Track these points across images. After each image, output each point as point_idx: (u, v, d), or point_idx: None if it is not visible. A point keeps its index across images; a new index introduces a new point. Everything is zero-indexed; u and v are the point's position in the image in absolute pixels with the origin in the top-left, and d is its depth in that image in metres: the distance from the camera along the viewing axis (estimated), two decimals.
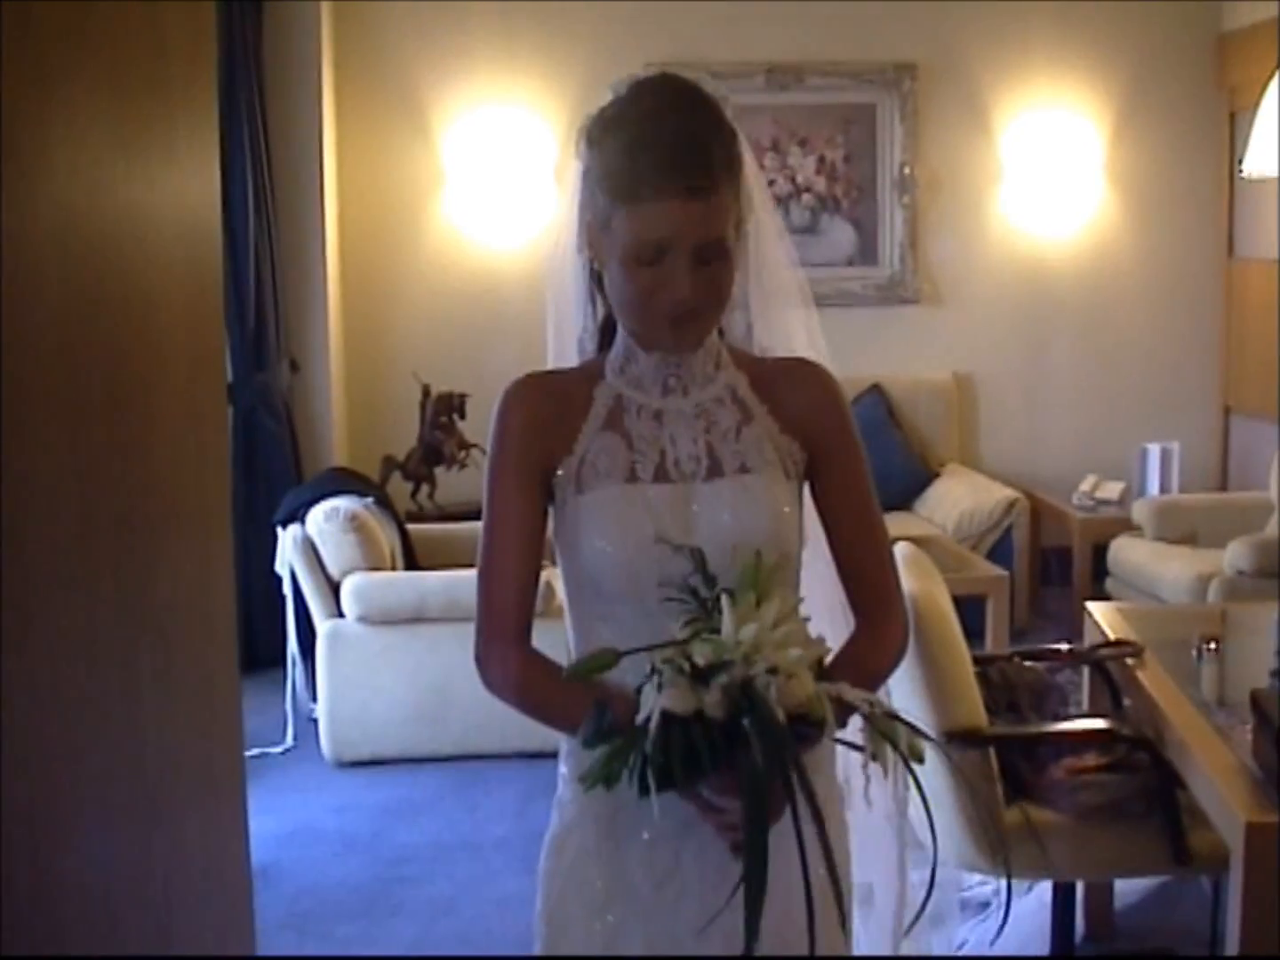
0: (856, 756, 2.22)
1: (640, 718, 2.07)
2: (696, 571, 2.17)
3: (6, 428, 1.87)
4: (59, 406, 2.03)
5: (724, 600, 2.09)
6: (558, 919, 2.45)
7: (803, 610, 2.22)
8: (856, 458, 2.47)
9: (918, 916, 2.71)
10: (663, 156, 2.19)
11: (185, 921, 2.45)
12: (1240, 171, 6.39)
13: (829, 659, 2.20)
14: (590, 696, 2.20)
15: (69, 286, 2.05)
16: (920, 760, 2.16)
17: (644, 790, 2.07)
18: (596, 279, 2.41)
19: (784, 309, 2.57)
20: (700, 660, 2.04)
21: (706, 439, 2.37)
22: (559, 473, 2.36)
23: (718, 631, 2.08)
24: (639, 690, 2.11)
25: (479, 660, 2.40)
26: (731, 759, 2.05)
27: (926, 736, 2.18)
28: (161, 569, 2.36)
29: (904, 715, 2.20)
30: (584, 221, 2.35)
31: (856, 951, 2.67)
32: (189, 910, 2.46)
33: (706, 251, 2.23)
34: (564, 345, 2.52)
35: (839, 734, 2.18)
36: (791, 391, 2.43)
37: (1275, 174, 6.40)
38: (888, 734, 2.13)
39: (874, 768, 2.17)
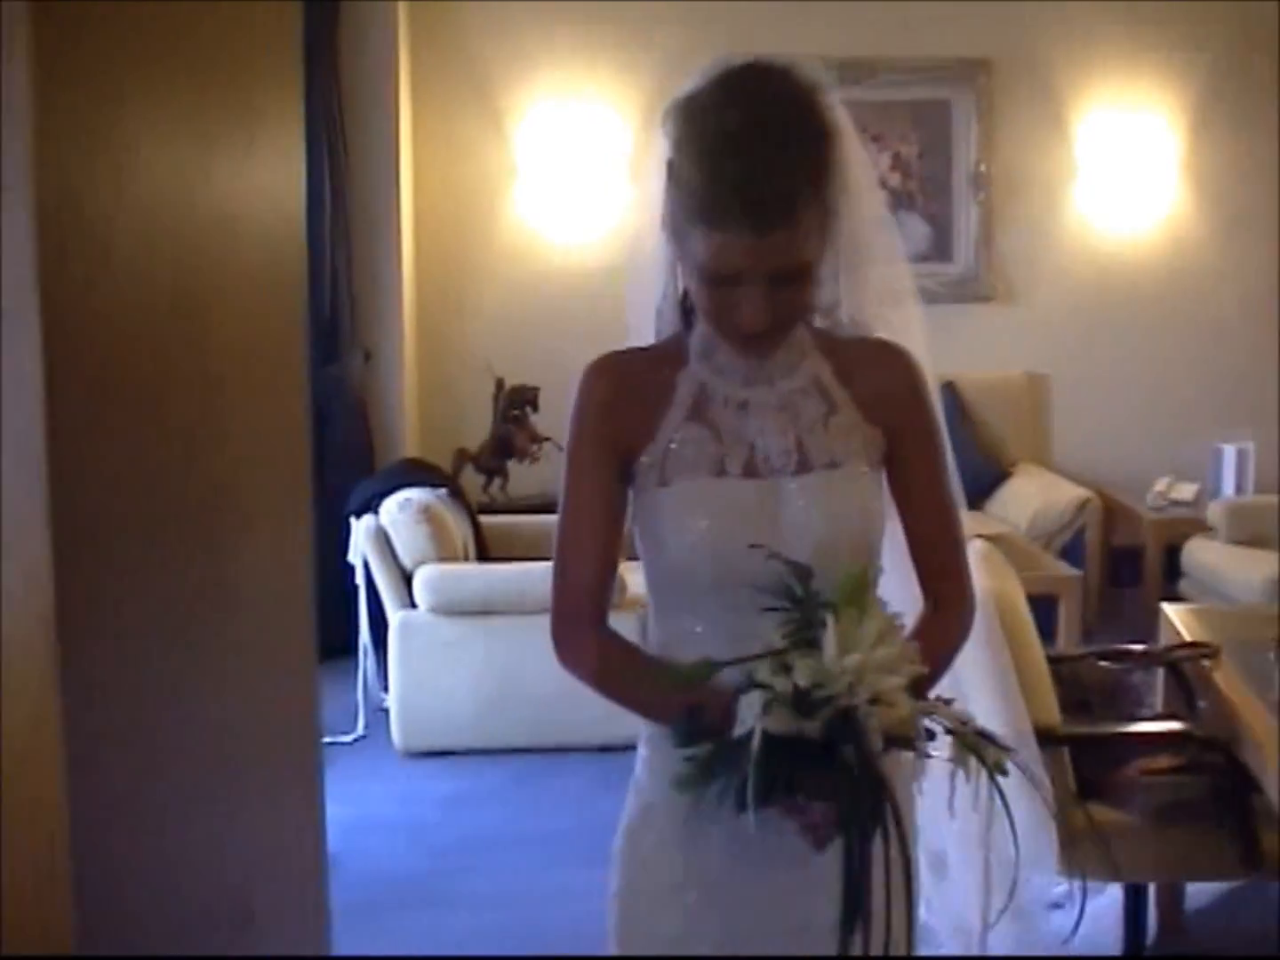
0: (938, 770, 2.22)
1: (738, 732, 2.06)
2: (799, 582, 2.14)
3: (95, 413, 1.89)
4: (146, 393, 2.05)
5: (829, 621, 2.08)
6: (633, 902, 2.44)
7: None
8: (936, 444, 2.45)
9: (1004, 909, 2.72)
10: (740, 191, 2.12)
11: (263, 907, 2.47)
12: None
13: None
14: (668, 683, 2.20)
15: (156, 277, 2.07)
16: (1004, 774, 2.16)
17: (742, 806, 2.07)
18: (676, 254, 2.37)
19: (887, 303, 2.53)
20: (802, 682, 2.04)
21: (794, 431, 2.34)
22: (642, 459, 2.33)
23: (815, 642, 2.07)
24: (736, 693, 2.10)
25: (556, 641, 2.39)
26: (823, 772, 2.06)
27: (1007, 750, 2.17)
28: (242, 555, 2.38)
29: (978, 717, 2.20)
30: (666, 209, 2.30)
31: (931, 924, 2.66)
32: (266, 896, 2.48)
33: (783, 276, 2.18)
34: (642, 317, 2.48)
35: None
36: (875, 377, 2.40)
37: None
38: (976, 751, 2.13)
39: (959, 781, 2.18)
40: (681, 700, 2.16)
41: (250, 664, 2.46)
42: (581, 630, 2.36)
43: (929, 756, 2.14)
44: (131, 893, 2.04)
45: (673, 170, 2.22)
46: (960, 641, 2.43)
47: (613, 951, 2.49)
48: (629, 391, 2.36)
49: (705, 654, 2.17)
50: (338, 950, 2.90)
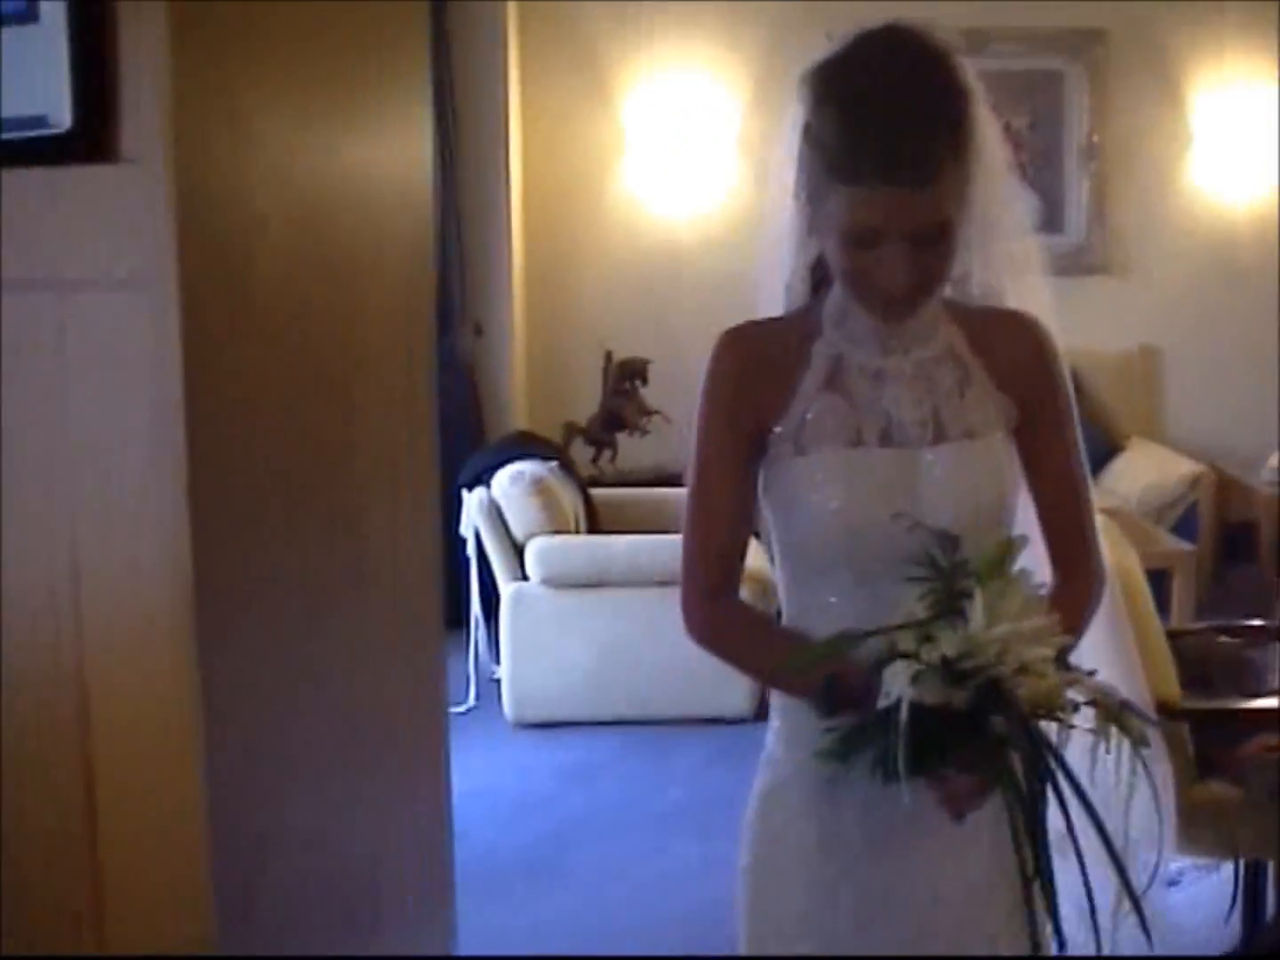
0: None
1: (883, 702, 2.05)
2: (946, 552, 2.14)
3: (234, 385, 1.92)
4: (282, 365, 2.08)
5: (977, 593, 2.07)
6: (765, 875, 2.43)
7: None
8: (1066, 414, 2.43)
9: (1149, 887, 2.70)
10: (882, 144, 2.10)
11: (391, 879, 2.50)
12: None
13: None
14: (798, 647, 2.20)
15: (291, 247, 2.09)
16: (1147, 745, 2.15)
17: (889, 777, 2.07)
18: (811, 221, 2.36)
19: (1018, 275, 2.51)
20: (950, 652, 2.03)
21: (930, 401, 2.33)
22: (776, 430, 2.31)
23: (959, 612, 2.06)
24: (877, 666, 2.10)
25: (686, 612, 2.37)
26: (971, 743, 2.05)
27: (1151, 721, 2.16)
28: (372, 525, 2.41)
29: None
30: (802, 173, 2.29)
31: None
32: (395, 868, 2.51)
33: (925, 237, 2.15)
34: (771, 290, 2.47)
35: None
36: (1006, 346, 2.38)
37: None
38: (1120, 722, 2.12)
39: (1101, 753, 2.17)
40: (818, 673, 2.16)
41: (381, 639, 2.48)
42: (714, 601, 2.36)
43: (1072, 727, 2.13)
44: (265, 861, 2.07)
45: (809, 133, 2.19)
46: (1090, 614, 2.41)
47: (742, 925, 2.50)
48: (762, 362, 2.35)
49: (839, 625, 2.17)
50: (463, 922, 2.93)
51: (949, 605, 2.07)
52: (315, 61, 2.23)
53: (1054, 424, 2.42)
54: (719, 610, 2.36)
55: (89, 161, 1.84)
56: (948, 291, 2.43)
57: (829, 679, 2.14)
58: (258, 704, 2.02)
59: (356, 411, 2.31)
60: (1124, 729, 2.11)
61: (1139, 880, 3.78)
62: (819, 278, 2.38)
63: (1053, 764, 2.05)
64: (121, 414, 1.83)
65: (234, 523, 1.94)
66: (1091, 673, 2.16)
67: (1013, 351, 2.40)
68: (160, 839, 1.91)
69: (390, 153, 2.52)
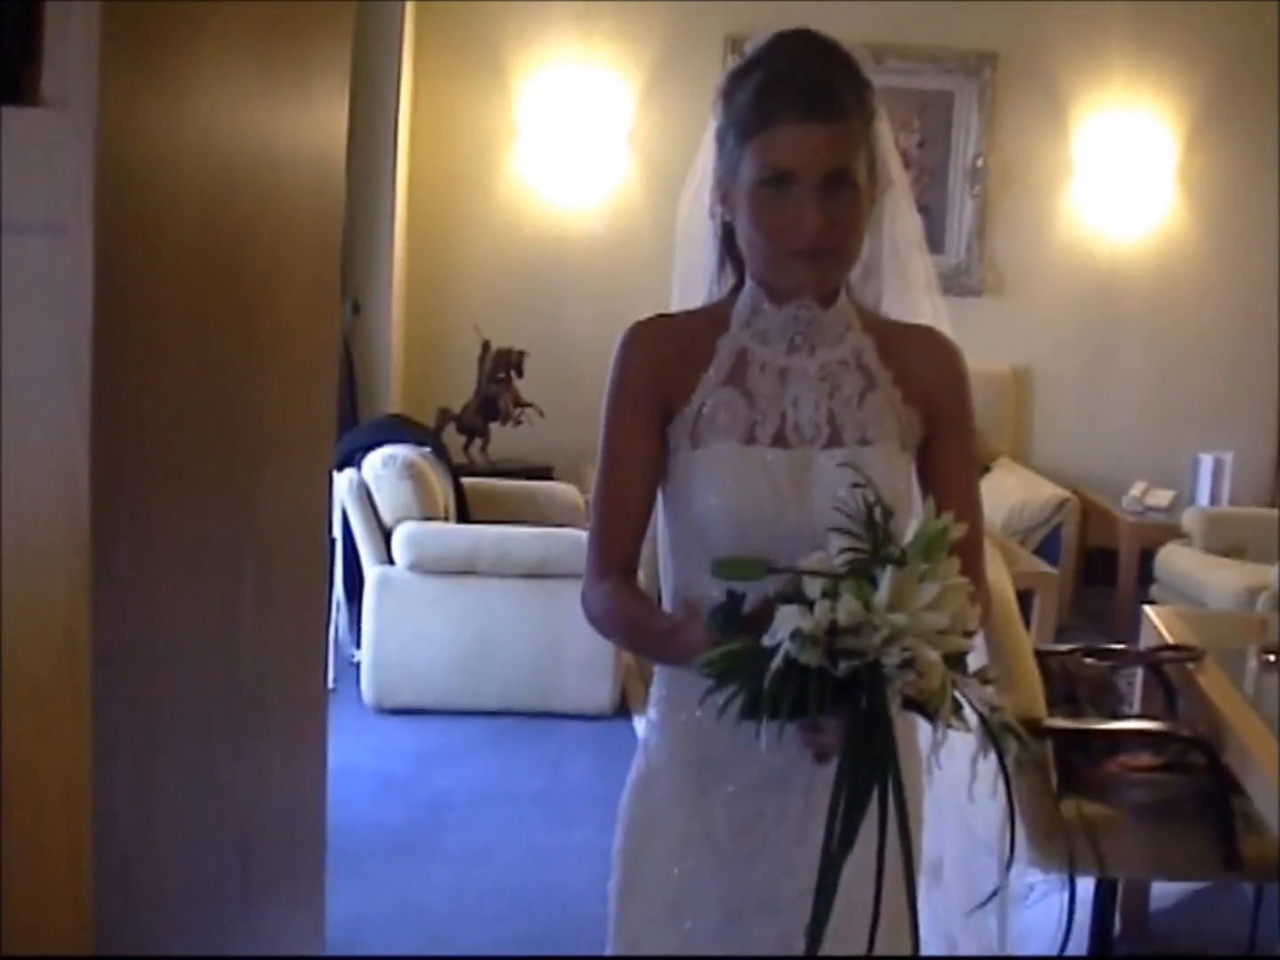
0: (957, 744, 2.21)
1: (768, 641, 2.04)
2: (883, 519, 2.12)
3: (143, 339, 1.88)
4: (192, 322, 2.04)
5: (889, 569, 2.05)
6: (636, 859, 2.45)
7: None
8: (969, 435, 2.47)
9: (990, 898, 2.73)
10: (791, 88, 2.21)
11: (263, 841, 2.46)
12: None
13: None
14: (696, 633, 2.19)
15: (207, 202, 2.06)
16: (1021, 767, 2.15)
17: (748, 713, 2.04)
18: (728, 243, 2.40)
19: (913, 291, 2.56)
20: (844, 619, 2.01)
21: (829, 404, 2.35)
22: (676, 420, 2.35)
23: (873, 579, 2.04)
24: (779, 599, 2.07)
25: (585, 593, 2.39)
26: (839, 708, 2.04)
27: (1028, 748, 2.16)
28: (268, 490, 2.37)
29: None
30: (716, 178, 2.35)
31: (924, 927, 2.67)
32: (268, 829, 2.48)
33: (834, 181, 2.22)
34: (687, 297, 2.51)
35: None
36: (918, 360, 2.42)
37: None
38: (997, 740, 2.12)
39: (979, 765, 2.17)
40: (710, 638, 2.13)
41: (267, 613, 2.45)
42: (618, 584, 2.36)
43: (950, 727, 2.14)
44: (144, 815, 2.04)
45: (722, 126, 2.31)
46: (977, 633, 2.43)
47: (614, 907, 2.50)
48: (669, 353, 2.38)
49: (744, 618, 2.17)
50: (330, 896, 2.90)
51: (865, 569, 2.06)
52: (243, 27, 2.20)
53: (957, 440, 2.45)
54: (620, 592, 2.37)
55: (10, 103, 1.80)
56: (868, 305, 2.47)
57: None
58: (145, 654, 1.98)
59: (261, 379, 2.28)
60: (999, 748, 2.11)
61: (1013, 888, 3.83)
62: (736, 266, 2.41)
63: (886, 770, 2.03)
64: (30, 358, 1.79)
65: (138, 475, 1.90)
66: (988, 681, 2.17)
67: (925, 367, 2.43)
68: (39, 822, 1.86)
69: (308, 125, 2.50)
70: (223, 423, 2.16)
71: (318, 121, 2.49)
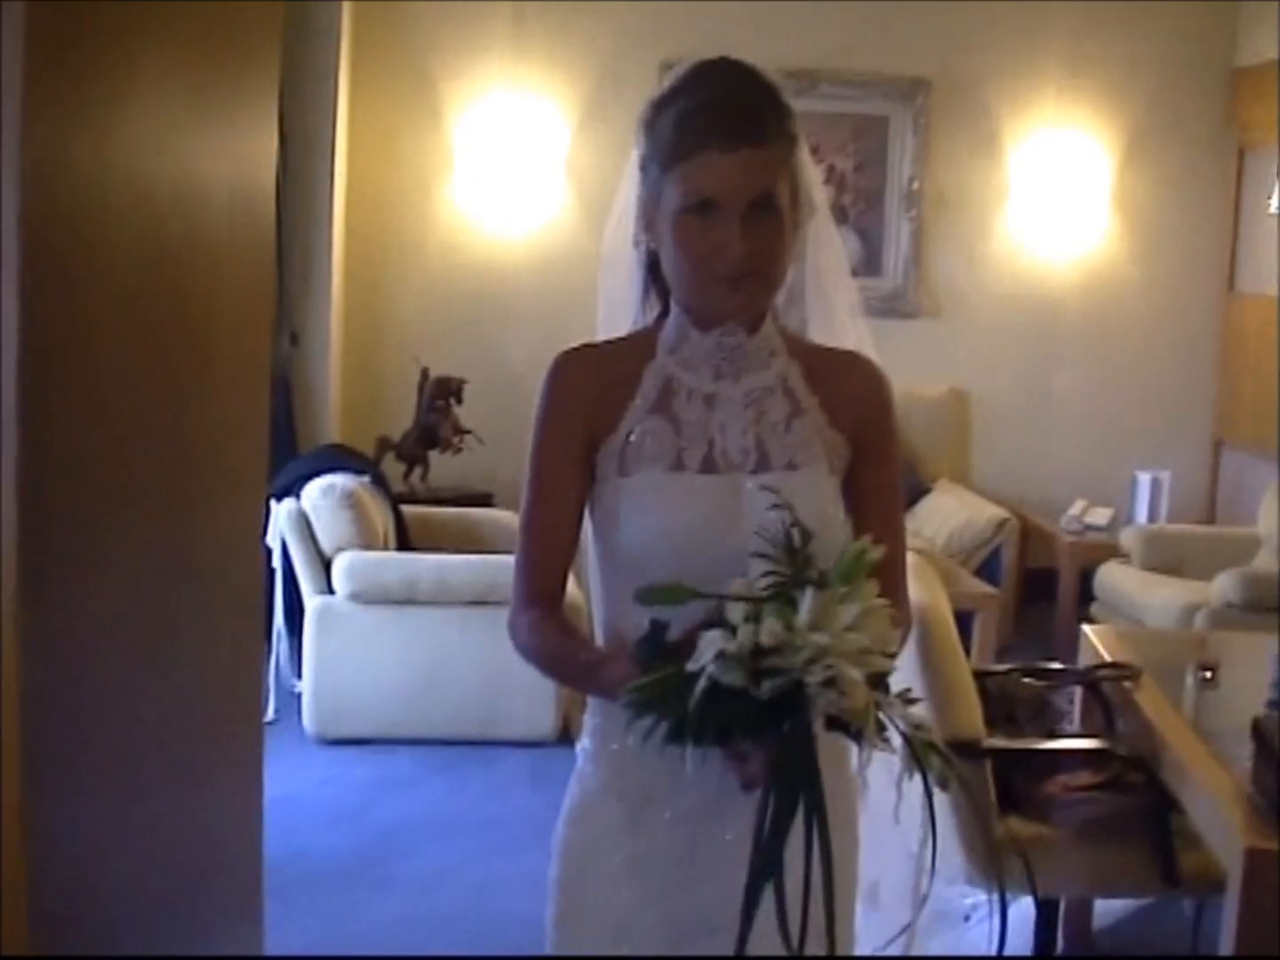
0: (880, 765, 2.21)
1: (692, 666, 2.04)
2: (802, 542, 2.13)
3: (72, 373, 1.88)
4: (121, 353, 2.04)
5: (809, 590, 2.06)
6: (574, 890, 2.45)
7: None
8: (894, 459, 2.48)
9: (909, 925, 2.74)
10: (713, 115, 2.23)
11: (201, 872, 2.45)
12: (1270, 210, 6.41)
13: None
14: (618, 661, 2.19)
15: (137, 236, 2.06)
16: (944, 789, 2.16)
17: (673, 738, 2.05)
18: (653, 272, 2.42)
19: (837, 316, 2.57)
20: (767, 640, 2.02)
21: (756, 430, 2.36)
22: (603, 449, 2.36)
23: (794, 602, 2.05)
24: (702, 626, 2.08)
25: (510, 625, 2.39)
26: (768, 730, 2.04)
27: (952, 768, 2.16)
28: (202, 523, 2.36)
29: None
30: (640, 207, 2.36)
31: (859, 951, 2.68)
32: (205, 860, 2.46)
33: (758, 207, 2.23)
34: (614, 327, 2.52)
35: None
36: (844, 385, 2.43)
37: None
38: (923, 762, 2.13)
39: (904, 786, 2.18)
40: (634, 673, 2.13)
41: (202, 643, 2.44)
42: (542, 614, 2.37)
43: (875, 748, 2.14)
44: (79, 852, 2.03)
45: (644, 155, 2.32)
46: (897, 655, 2.43)
47: (551, 937, 2.50)
48: (596, 382, 2.39)
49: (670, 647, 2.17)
50: (270, 931, 2.88)
51: (786, 592, 2.07)
52: (170, 62, 2.20)
53: (883, 465, 2.47)
54: (546, 623, 2.37)
55: None
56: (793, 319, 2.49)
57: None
58: (78, 690, 1.97)
59: (194, 411, 2.28)
60: (924, 769, 2.12)
61: (931, 911, 3.85)
62: (662, 296, 2.41)
63: (811, 791, 2.04)
64: None
65: (62, 519, 1.89)
66: (911, 701, 2.18)
67: (851, 391, 2.44)
68: None
69: (240, 155, 2.50)
70: (156, 457, 2.15)
71: (247, 154, 2.49)
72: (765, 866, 2.01)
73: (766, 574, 2.10)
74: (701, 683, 2.00)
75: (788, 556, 2.11)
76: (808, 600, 2.04)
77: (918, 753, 2.12)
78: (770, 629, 2.01)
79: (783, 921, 2.00)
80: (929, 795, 2.16)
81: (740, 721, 2.02)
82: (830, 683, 2.01)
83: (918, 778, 2.15)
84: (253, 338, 2.55)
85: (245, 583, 2.63)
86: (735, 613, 2.04)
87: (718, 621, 2.06)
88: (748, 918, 2.02)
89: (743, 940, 2.02)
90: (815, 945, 2.22)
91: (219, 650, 2.51)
